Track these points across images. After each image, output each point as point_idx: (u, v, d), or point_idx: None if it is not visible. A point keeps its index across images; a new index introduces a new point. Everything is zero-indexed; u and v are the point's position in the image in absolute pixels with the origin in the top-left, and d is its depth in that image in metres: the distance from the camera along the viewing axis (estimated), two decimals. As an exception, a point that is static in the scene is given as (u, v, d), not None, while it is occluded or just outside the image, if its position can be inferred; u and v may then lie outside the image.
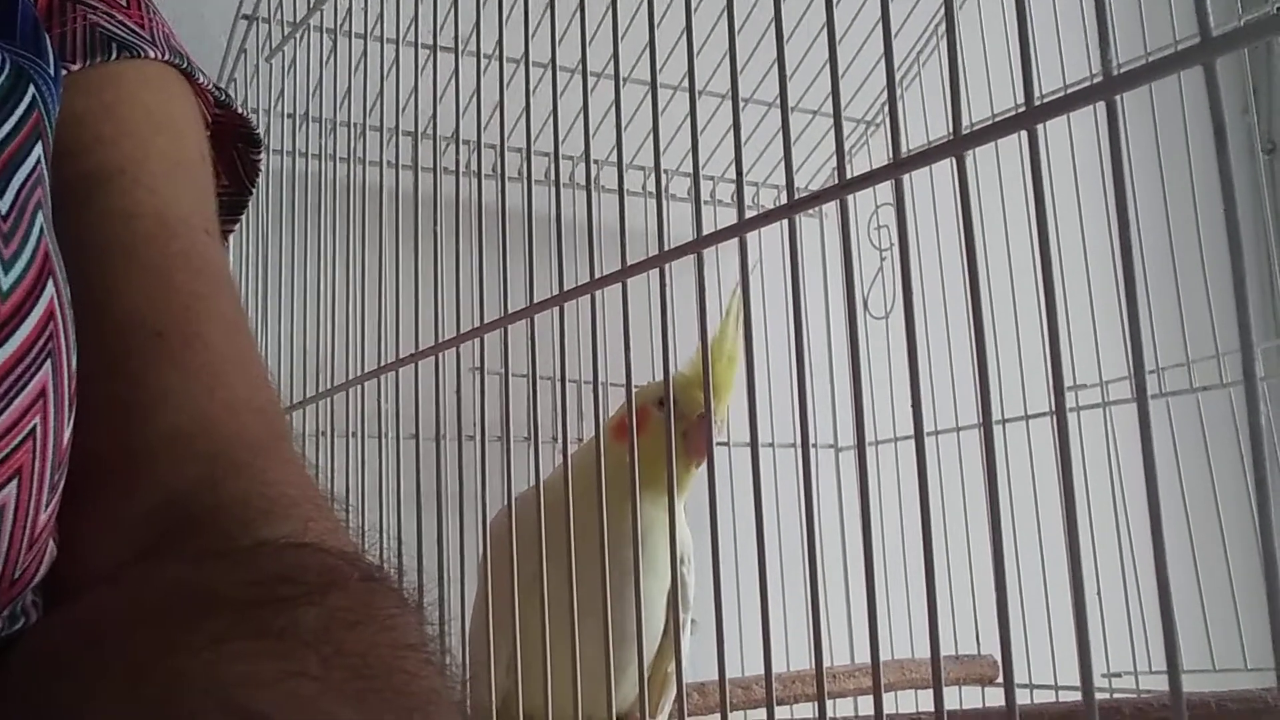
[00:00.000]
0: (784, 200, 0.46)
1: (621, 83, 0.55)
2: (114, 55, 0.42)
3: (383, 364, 0.72)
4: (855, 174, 0.44)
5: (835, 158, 0.42)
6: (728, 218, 0.49)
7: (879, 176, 0.43)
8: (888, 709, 0.63)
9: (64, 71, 0.40)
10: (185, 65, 0.45)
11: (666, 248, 0.52)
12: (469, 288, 0.63)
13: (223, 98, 0.49)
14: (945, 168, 0.42)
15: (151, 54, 0.43)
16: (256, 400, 0.39)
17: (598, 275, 0.56)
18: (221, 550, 0.33)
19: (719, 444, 0.74)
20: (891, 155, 0.42)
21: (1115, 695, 0.96)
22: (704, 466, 0.50)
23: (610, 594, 0.55)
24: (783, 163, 0.47)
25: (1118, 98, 0.35)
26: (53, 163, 0.37)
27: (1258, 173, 1.57)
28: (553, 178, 0.58)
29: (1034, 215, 0.37)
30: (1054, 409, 0.37)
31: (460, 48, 0.68)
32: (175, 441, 0.36)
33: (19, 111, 0.34)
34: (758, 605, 0.45)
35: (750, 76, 0.85)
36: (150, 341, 0.38)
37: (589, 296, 0.56)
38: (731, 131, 0.49)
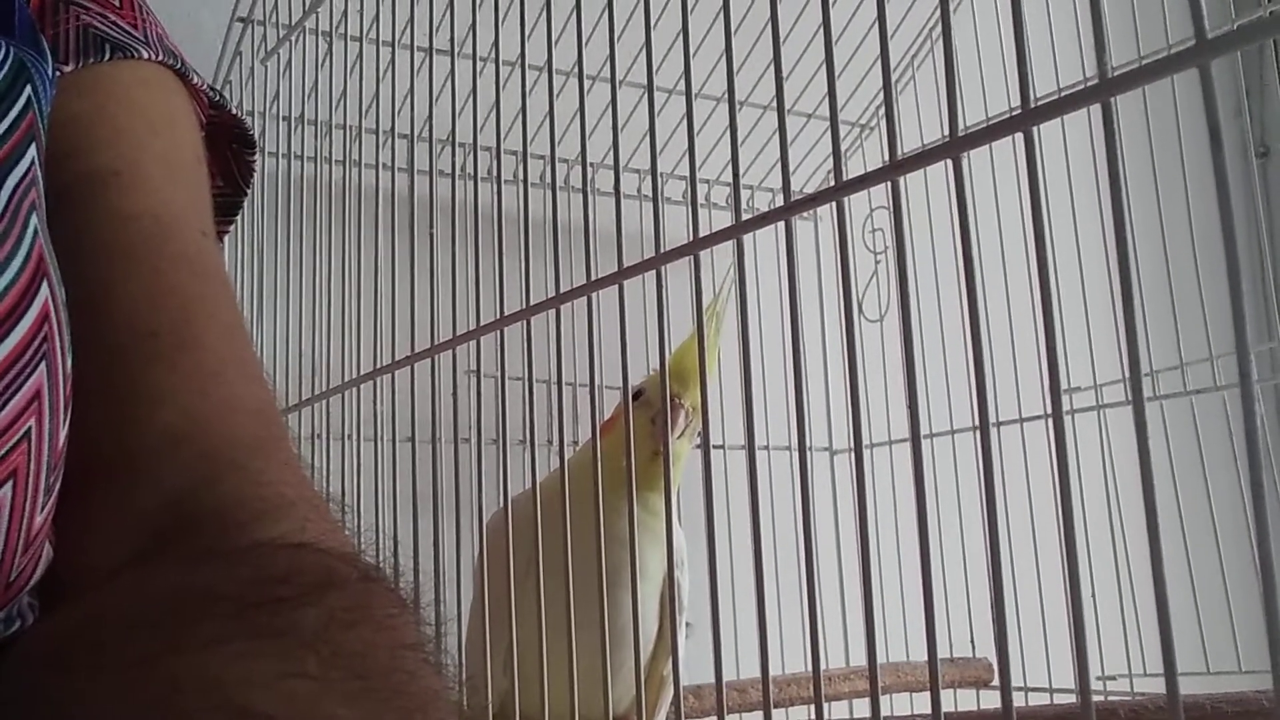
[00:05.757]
0: (779, 203, 0.46)
1: (618, 85, 0.55)
2: (107, 56, 0.42)
3: (378, 366, 0.72)
4: (851, 177, 0.44)
5: (830, 161, 0.43)
6: (723, 220, 0.49)
7: (875, 178, 0.43)
8: (884, 712, 0.63)
9: (57, 73, 0.40)
10: (179, 66, 0.45)
11: (663, 250, 0.52)
12: (465, 290, 0.63)
13: (217, 98, 0.48)
14: (940, 171, 0.42)
15: (145, 55, 0.43)
16: (253, 401, 0.39)
17: (594, 278, 0.56)
18: (219, 551, 0.33)
19: (715, 447, 0.74)
20: (888, 157, 0.42)
21: (1110, 698, 0.96)
22: (703, 469, 0.50)
23: (599, 596, 0.55)
24: (778, 166, 0.47)
25: (1113, 100, 0.35)
26: (47, 165, 0.37)
27: (1251, 176, 1.57)
28: (549, 180, 0.58)
29: (1029, 218, 0.38)
30: (1050, 412, 0.37)
31: (456, 50, 0.68)
32: (172, 442, 0.36)
33: (14, 113, 0.34)
34: (754, 608, 0.45)
35: (746, 79, 0.85)
36: (146, 343, 0.38)
37: (585, 299, 0.56)
38: (728, 134, 0.49)
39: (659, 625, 0.82)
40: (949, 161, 0.40)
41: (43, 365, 0.33)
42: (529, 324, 0.59)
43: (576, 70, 0.56)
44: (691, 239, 0.50)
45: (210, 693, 0.25)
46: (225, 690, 0.25)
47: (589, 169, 0.57)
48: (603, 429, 0.76)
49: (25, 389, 0.32)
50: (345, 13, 0.82)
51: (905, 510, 1.10)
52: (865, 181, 0.43)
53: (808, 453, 1.33)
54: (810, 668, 0.44)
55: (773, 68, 0.47)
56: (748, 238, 0.49)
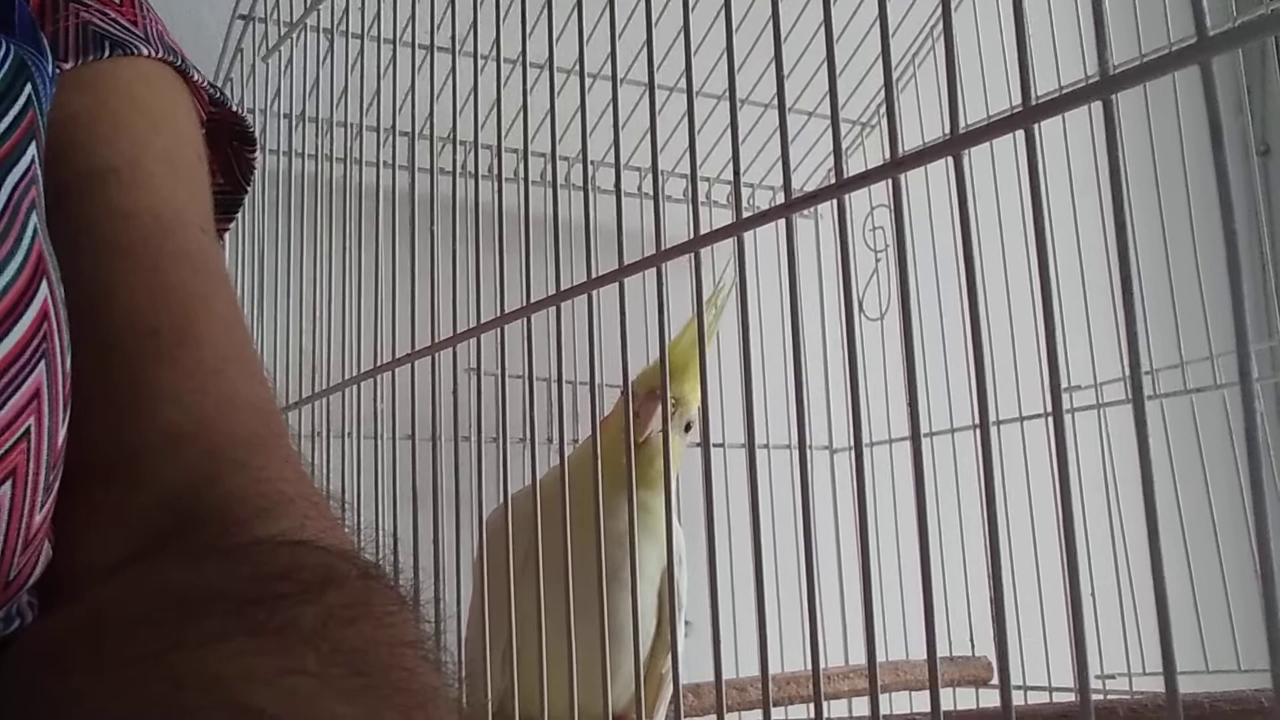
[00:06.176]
0: (780, 201, 0.46)
1: (619, 83, 0.55)
2: (107, 53, 0.42)
3: (379, 364, 0.72)
4: (851, 174, 0.44)
5: (830, 159, 0.43)
6: (724, 218, 0.49)
7: (876, 176, 0.43)
8: (883, 710, 0.63)
9: (57, 71, 0.40)
10: (179, 63, 0.45)
11: (663, 247, 0.52)
12: (465, 288, 0.63)
13: (217, 95, 0.48)
14: (940, 170, 0.42)
15: (145, 51, 0.43)
16: (253, 398, 0.39)
17: (594, 275, 0.56)
18: (219, 548, 0.33)
19: (715, 445, 0.74)
20: (888, 155, 0.42)
21: (1109, 696, 0.96)
22: (703, 468, 0.50)
23: (593, 593, 0.55)
24: (779, 163, 0.47)
25: (1114, 97, 0.35)
26: (48, 162, 0.37)
27: (1252, 173, 1.57)
28: (549, 178, 0.58)
29: (1030, 215, 0.38)
30: (1050, 410, 0.37)
31: (457, 48, 0.68)
32: (172, 439, 0.36)
33: (14, 111, 0.34)
34: (753, 606, 0.45)
35: (747, 77, 0.85)
36: (147, 340, 0.38)
37: (586, 296, 0.56)
38: (729, 132, 0.49)
39: (658, 623, 0.82)
40: (950, 159, 0.40)
41: (42, 364, 0.33)
42: (529, 322, 0.59)
43: (577, 68, 0.56)
44: (692, 236, 0.50)
45: (211, 690, 0.25)
46: (226, 687, 0.25)
47: (590, 167, 0.57)
48: (601, 426, 0.76)
49: (25, 388, 0.32)
50: (346, 10, 0.82)
51: (905, 509, 1.10)
52: (866, 179, 0.43)
53: (808, 451, 1.33)
54: (810, 666, 0.44)
55: (774, 66, 0.47)
56: (748, 235, 0.49)
